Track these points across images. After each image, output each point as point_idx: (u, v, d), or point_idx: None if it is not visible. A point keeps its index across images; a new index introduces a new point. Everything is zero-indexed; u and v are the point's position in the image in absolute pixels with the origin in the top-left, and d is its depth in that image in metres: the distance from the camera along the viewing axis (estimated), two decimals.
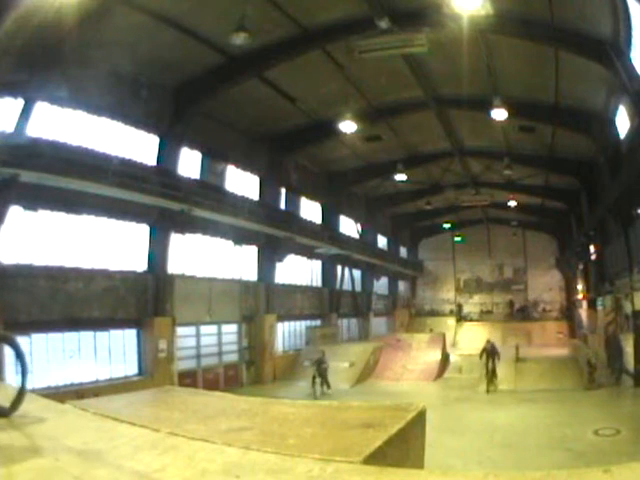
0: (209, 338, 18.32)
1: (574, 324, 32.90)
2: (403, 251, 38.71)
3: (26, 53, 10.70)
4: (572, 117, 17.70)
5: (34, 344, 12.25)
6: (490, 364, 18.05)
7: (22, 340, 11.98)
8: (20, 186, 11.52)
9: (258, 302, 20.78)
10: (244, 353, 19.97)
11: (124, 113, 14.68)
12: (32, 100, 11.97)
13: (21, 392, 3.96)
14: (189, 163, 17.41)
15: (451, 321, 36.74)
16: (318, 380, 17.41)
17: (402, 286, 38.90)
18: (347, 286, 29.06)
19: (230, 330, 19.56)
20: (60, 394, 10.24)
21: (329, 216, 26.69)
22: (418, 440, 3.65)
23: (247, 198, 19.56)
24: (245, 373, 19.84)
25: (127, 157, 14.31)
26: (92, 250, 14.14)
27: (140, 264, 15.72)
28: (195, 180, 17.16)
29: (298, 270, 24.84)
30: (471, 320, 37.71)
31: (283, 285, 22.86)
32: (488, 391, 17.28)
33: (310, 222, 24.23)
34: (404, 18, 13.49)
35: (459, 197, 30.71)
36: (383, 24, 13.23)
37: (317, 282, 26.81)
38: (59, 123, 13.01)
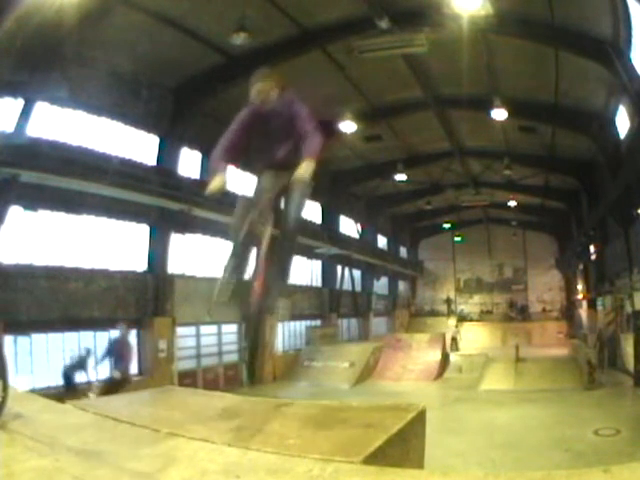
0: (209, 338, 18.31)
1: (574, 324, 32.90)
2: (403, 251, 38.69)
3: (26, 53, 10.70)
4: (572, 117, 17.70)
5: (34, 344, 12.25)
6: None
7: (22, 340, 12.02)
8: (20, 186, 11.51)
9: None
10: (244, 353, 19.95)
11: (124, 113, 14.67)
12: (32, 100, 11.96)
13: (4, 390, 3.86)
14: (189, 163, 17.41)
15: (451, 321, 36.73)
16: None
17: (402, 286, 38.88)
18: (347, 286, 29.06)
19: (230, 330, 19.54)
20: (60, 394, 10.23)
21: (329, 216, 26.68)
22: (418, 440, 3.65)
23: None
24: (245, 373, 19.83)
25: (127, 157, 14.30)
26: (92, 250, 14.14)
27: (140, 264, 15.71)
28: (195, 180, 17.14)
29: (298, 270, 24.83)
30: (471, 320, 37.71)
31: None
32: None
33: (310, 222, 24.22)
34: (404, 18, 13.48)
35: (459, 197, 30.72)
36: (383, 24, 13.23)
37: (317, 282, 26.81)
38: (59, 123, 13.00)
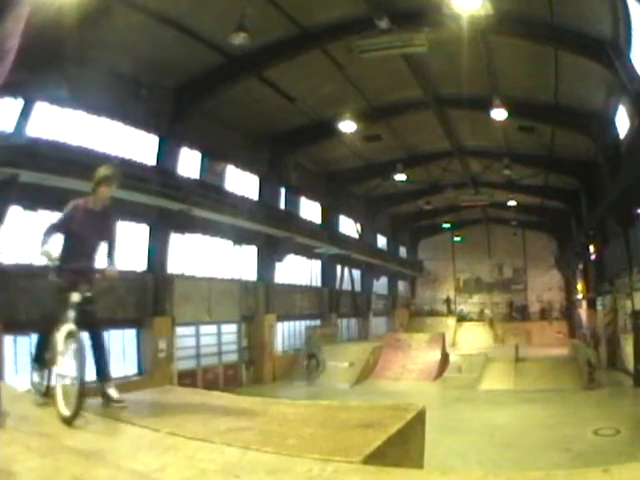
0: (209, 338, 18.31)
1: (574, 324, 32.91)
2: (403, 251, 38.70)
3: (26, 53, 10.67)
4: (572, 117, 17.69)
5: (34, 344, 12.22)
6: None
7: (22, 340, 12.00)
8: (20, 186, 11.49)
9: (258, 302, 20.78)
10: (244, 353, 19.97)
11: (124, 113, 14.66)
12: (32, 100, 11.96)
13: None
14: (189, 163, 17.40)
15: (451, 321, 36.75)
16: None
17: (402, 286, 38.88)
18: (347, 286, 29.06)
19: (230, 330, 19.55)
20: None
21: (329, 216, 26.69)
22: (418, 440, 3.65)
23: (247, 198, 19.55)
24: (245, 373, 19.84)
25: (127, 157, 14.30)
26: None
27: (140, 264, 15.70)
28: (195, 180, 17.15)
29: (298, 270, 24.83)
30: (471, 320, 37.72)
31: (283, 285, 22.86)
32: None
33: (310, 222, 24.22)
34: (404, 18, 13.49)
35: (459, 197, 30.71)
36: (383, 24, 13.23)
37: (317, 282, 26.81)
38: (59, 123, 12.99)
